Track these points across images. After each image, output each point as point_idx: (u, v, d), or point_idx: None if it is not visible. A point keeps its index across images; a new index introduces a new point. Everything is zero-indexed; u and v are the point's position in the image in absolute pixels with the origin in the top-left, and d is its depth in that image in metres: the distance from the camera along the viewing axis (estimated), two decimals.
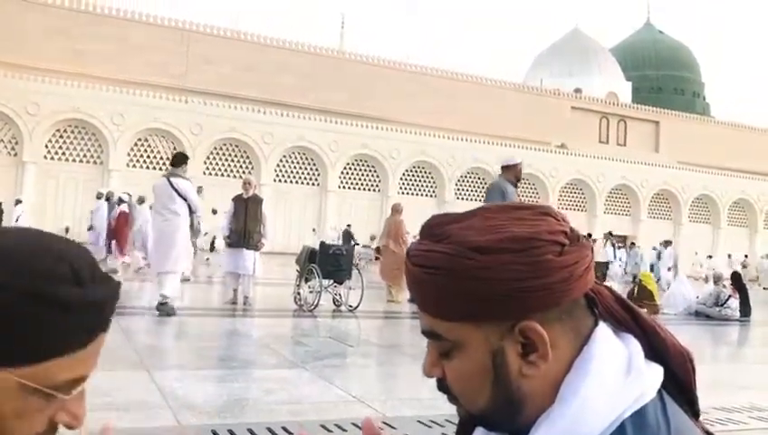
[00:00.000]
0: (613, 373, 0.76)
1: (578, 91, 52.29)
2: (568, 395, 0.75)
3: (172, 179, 8.37)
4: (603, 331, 0.80)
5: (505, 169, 7.57)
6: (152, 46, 36.22)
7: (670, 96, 64.71)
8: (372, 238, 28.20)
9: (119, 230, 14.99)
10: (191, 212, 8.45)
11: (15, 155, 29.77)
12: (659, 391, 0.77)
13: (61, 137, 30.78)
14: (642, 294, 13.57)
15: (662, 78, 66.90)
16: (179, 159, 8.72)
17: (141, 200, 16.88)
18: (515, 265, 0.75)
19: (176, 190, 8.29)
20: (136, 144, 31.64)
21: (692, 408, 0.83)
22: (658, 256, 24.36)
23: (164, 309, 8.07)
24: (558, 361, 0.77)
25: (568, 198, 42.06)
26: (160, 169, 27.63)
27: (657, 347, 0.82)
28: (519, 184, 7.63)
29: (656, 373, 0.79)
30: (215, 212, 21.24)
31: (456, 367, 0.80)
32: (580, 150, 43.00)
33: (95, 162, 31.23)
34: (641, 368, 0.78)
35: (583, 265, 0.78)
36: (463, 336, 0.78)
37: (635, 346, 0.80)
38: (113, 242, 14.94)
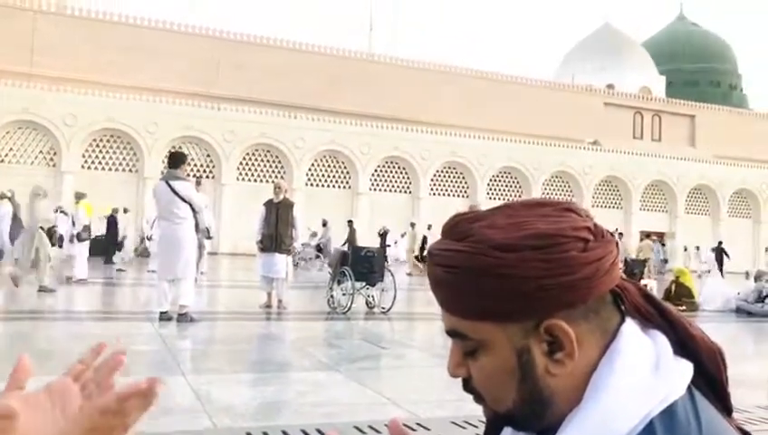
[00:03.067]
0: (641, 370, 0.75)
1: (610, 86, 51.61)
2: (595, 393, 0.74)
3: (172, 183, 7.98)
4: (630, 327, 0.79)
5: None
6: (183, 54, 36.78)
7: (706, 89, 63.49)
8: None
9: None
10: (195, 213, 8.09)
11: (54, 166, 30.48)
12: (689, 388, 0.76)
13: (97, 146, 31.45)
14: (680, 291, 13.32)
15: (697, 71, 65.66)
16: (177, 160, 8.20)
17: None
18: (538, 263, 0.74)
19: (177, 194, 7.94)
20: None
21: (724, 404, 0.81)
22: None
23: (184, 319, 7.94)
24: (585, 358, 0.76)
25: (603, 196, 41.53)
26: (194, 175, 28.03)
27: (687, 343, 0.80)
28: None
29: (685, 369, 0.77)
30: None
31: (482, 367, 0.79)
32: (613, 147, 42.43)
33: (131, 171, 31.81)
34: (670, 364, 0.76)
35: (609, 261, 0.77)
36: (487, 335, 0.77)
37: (663, 342, 0.79)
38: None
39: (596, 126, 45.44)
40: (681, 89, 60.56)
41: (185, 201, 7.98)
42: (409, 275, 21.28)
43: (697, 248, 35.52)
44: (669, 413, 0.72)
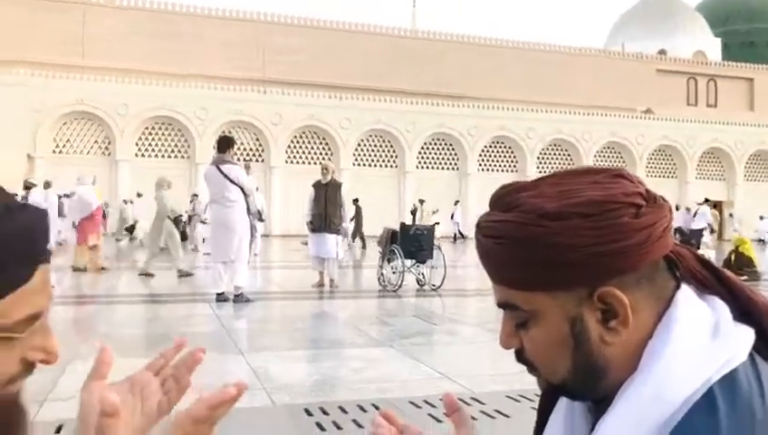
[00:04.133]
0: (698, 337, 0.74)
1: (662, 52, 49.99)
2: (651, 361, 0.74)
3: (222, 167, 8.13)
4: (686, 293, 0.77)
5: None
6: (230, 41, 37.17)
7: (764, 50, 60.75)
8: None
9: None
10: (245, 196, 8.23)
11: (109, 154, 31.34)
12: (751, 354, 0.74)
13: (150, 134, 32.17)
14: (740, 261, 12.92)
15: (755, 31, 62.83)
16: (225, 144, 8.35)
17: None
18: (589, 230, 0.73)
19: (227, 178, 8.08)
20: None
21: None
22: (694, 216, 22.21)
23: (240, 299, 8.14)
24: (639, 326, 0.76)
25: (657, 165, 40.43)
26: (243, 159, 28.39)
27: (748, 308, 0.78)
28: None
29: (746, 335, 0.75)
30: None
31: (534, 337, 0.79)
32: (667, 115, 41.18)
33: (183, 157, 32.47)
34: (729, 330, 0.75)
35: (662, 226, 0.76)
36: (539, 305, 0.77)
37: (721, 308, 0.77)
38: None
39: (648, 94, 44.14)
40: (738, 51, 58.15)
41: (235, 184, 8.12)
42: None
43: (730, 215, 34.29)
44: (730, 379, 0.71)
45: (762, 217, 33.34)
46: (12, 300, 0.68)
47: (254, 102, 32.91)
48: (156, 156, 32.23)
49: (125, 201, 26.24)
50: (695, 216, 20.71)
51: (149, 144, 32.24)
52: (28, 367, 0.72)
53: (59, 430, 3.19)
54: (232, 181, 8.11)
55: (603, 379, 0.77)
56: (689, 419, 0.69)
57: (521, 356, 0.82)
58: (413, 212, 25.88)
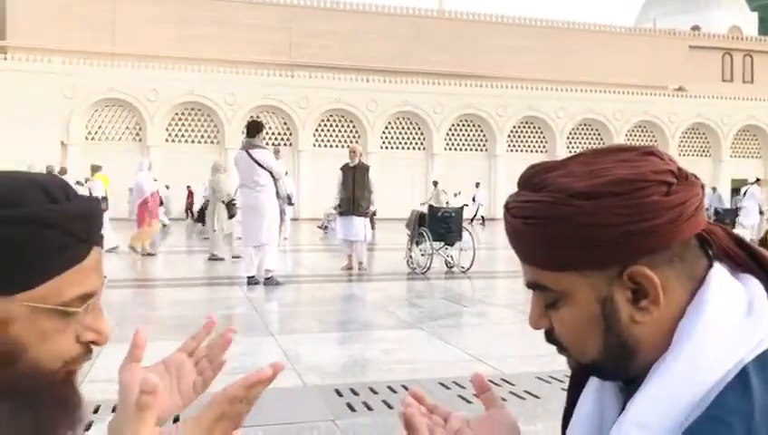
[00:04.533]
0: (731, 316, 0.73)
1: (696, 28, 48.78)
2: (683, 340, 0.73)
3: (251, 152, 8.18)
4: (719, 272, 0.76)
5: None
6: (257, 25, 37.23)
7: None
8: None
9: None
10: (275, 180, 8.29)
11: (140, 140, 31.76)
12: None
13: (179, 120, 32.49)
14: None
15: None
16: (254, 129, 8.37)
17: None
18: (619, 209, 0.72)
19: (257, 162, 8.13)
20: None
21: None
22: (744, 194, 21.46)
23: (270, 282, 8.23)
24: (671, 306, 0.75)
25: (690, 144, 39.68)
26: (272, 144, 28.52)
27: None
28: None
29: None
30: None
31: (564, 318, 0.79)
32: (700, 92, 40.29)
33: (212, 142, 32.76)
34: (763, 309, 0.74)
35: (693, 205, 0.74)
36: (569, 285, 0.77)
37: (755, 287, 0.76)
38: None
39: (681, 71, 43.22)
40: None
41: (265, 169, 8.18)
42: None
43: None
44: (764, 359, 0.70)
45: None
46: (69, 277, 0.71)
47: (281, 87, 33.02)
48: (186, 141, 32.57)
49: (167, 186, 26.92)
50: (744, 194, 20.22)
51: (179, 130, 32.58)
52: (86, 350, 0.75)
53: (96, 410, 3.28)
54: (261, 166, 8.17)
55: (634, 359, 0.76)
56: (722, 399, 0.68)
57: (551, 337, 0.82)
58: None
